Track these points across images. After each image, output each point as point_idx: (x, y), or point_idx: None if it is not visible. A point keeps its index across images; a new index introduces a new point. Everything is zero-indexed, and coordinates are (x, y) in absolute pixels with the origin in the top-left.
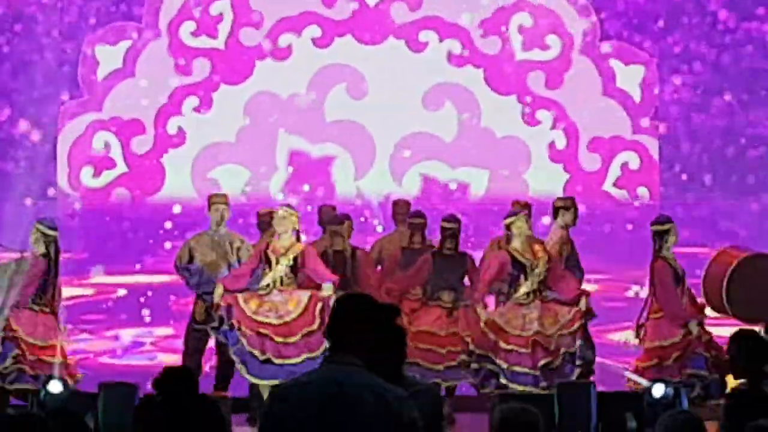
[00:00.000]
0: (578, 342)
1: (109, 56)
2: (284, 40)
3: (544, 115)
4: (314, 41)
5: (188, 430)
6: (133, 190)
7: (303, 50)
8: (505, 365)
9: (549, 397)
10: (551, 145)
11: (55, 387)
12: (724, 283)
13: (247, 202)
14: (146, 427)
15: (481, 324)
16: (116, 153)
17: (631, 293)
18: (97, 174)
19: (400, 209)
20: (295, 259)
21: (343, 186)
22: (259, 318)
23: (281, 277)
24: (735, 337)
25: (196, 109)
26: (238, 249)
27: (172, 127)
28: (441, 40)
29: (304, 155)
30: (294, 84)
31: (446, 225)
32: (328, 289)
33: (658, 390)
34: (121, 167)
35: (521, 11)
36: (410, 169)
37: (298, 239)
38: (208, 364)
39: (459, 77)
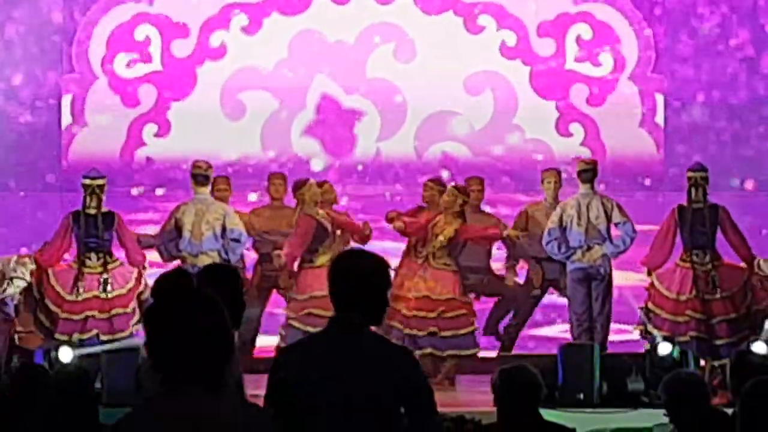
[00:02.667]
0: None
1: None
2: None
3: (577, 130)
4: None
5: (192, 326)
6: (160, 90)
7: (362, 0)
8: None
9: (552, 357)
10: (576, 159)
11: (64, 354)
12: None
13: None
14: (153, 332)
15: None
16: (155, 50)
17: None
18: (130, 64)
19: None
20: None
21: (364, 143)
22: None
23: None
24: None
25: (244, 29)
26: (224, 217)
27: (215, 40)
28: (498, 29)
29: (335, 103)
30: (344, 31)
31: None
32: None
33: (664, 348)
34: (156, 65)
35: (583, 22)
36: (433, 144)
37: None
38: None
39: (506, 69)
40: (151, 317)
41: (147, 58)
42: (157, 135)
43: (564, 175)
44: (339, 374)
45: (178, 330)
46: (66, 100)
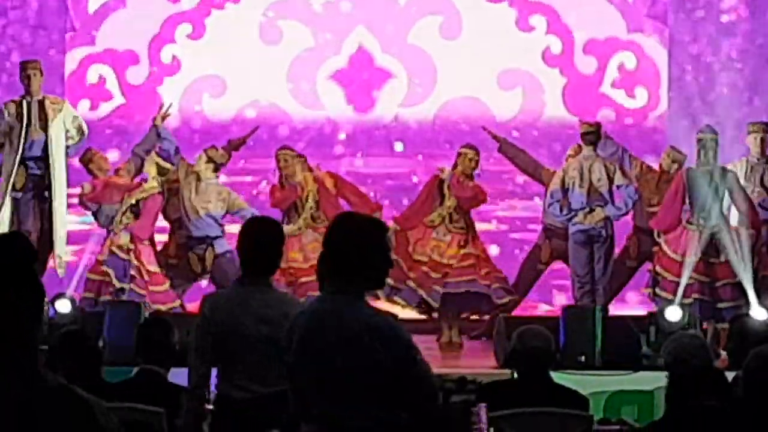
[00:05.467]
0: None
1: None
2: None
3: None
4: None
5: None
6: None
7: None
8: None
9: (554, 320)
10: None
11: (63, 306)
12: None
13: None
14: None
15: None
16: None
17: None
18: None
19: None
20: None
21: (385, 103)
22: None
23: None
24: None
25: None
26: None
27: None
28: (547, 33)
29: (369, 57)
30: None
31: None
32: None
33: (673, 314)
34: None
35: (629, 51)
36: (451, 125)
37: None
38: None
39: (542, 74)
40: None
41: None
42: (189, 36)
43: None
44: (307, 345)
45: None
46: None
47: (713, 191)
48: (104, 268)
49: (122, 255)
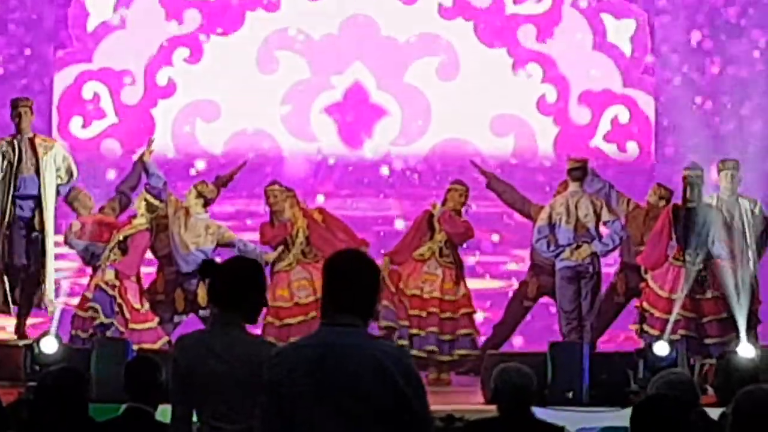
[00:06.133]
0: None
1: None
2: None
3: None
4: (440, 7)
5: None
6: (207, 20)
7: (430, 4)
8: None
9: (542, 356)
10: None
11: (48, 345)
12: None
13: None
14: None
15: None
16: None
17: None
18: None
19: None
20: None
21: (377, 141)
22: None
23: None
24: None
25: None
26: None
27: None
28: (543, 81)
29: (365, 94)
30: (399, 29)
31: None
32: None
33: (661, 348)
34: None
35: (624, 105)
36: (442, 168)
37: None
38: None
39: (536, 122)
40: None
41: None
42: (186, 60)
43: None
44: (320, 376)
45: None
46: None
47: (701, 228)
48: (91, 304)
49: (109, 291)
